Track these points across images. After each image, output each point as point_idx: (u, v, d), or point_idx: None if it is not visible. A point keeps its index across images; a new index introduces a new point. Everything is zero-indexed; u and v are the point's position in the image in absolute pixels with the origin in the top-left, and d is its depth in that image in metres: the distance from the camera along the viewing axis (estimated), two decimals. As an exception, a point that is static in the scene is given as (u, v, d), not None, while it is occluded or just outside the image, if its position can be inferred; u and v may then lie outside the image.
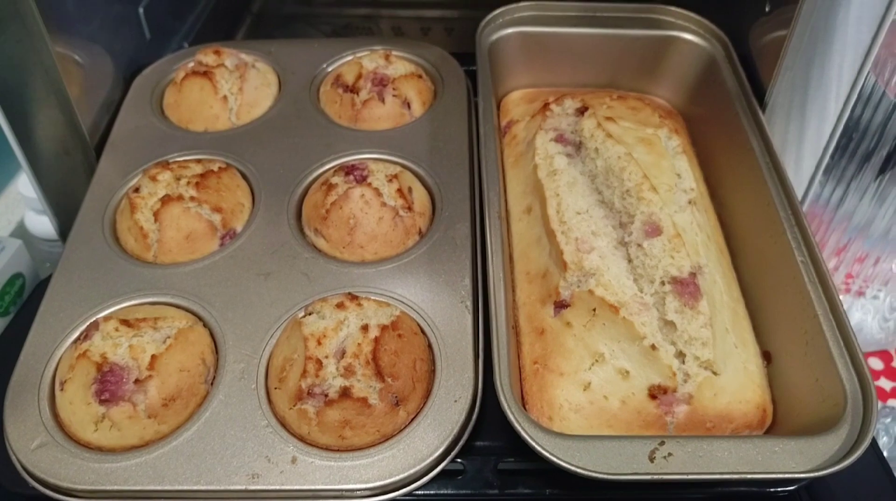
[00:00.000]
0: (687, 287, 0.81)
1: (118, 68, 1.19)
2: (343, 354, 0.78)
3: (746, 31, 1.09)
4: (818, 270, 0.82)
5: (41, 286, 0.95)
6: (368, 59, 1.14)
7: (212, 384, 0.82)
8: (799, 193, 0.99)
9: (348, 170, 0.97)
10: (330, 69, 1.21)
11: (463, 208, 0.97)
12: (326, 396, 0.76)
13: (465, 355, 0.82)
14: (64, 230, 1.04)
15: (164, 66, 1.21)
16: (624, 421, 0.79)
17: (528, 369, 0.83)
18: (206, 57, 1.14)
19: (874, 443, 0.83)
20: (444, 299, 0.88)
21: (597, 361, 0.81)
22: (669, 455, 0.69)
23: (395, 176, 0.97)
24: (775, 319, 0.86)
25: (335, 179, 0.96)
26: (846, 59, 0.89)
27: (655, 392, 0.79)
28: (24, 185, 1.07)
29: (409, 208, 0.96)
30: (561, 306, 0.85)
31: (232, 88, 1.12)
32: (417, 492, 0.76)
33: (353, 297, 0.83)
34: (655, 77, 1.20)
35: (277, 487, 0.73)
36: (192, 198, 0.94)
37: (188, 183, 0.96)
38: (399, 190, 0.95)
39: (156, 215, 0.93)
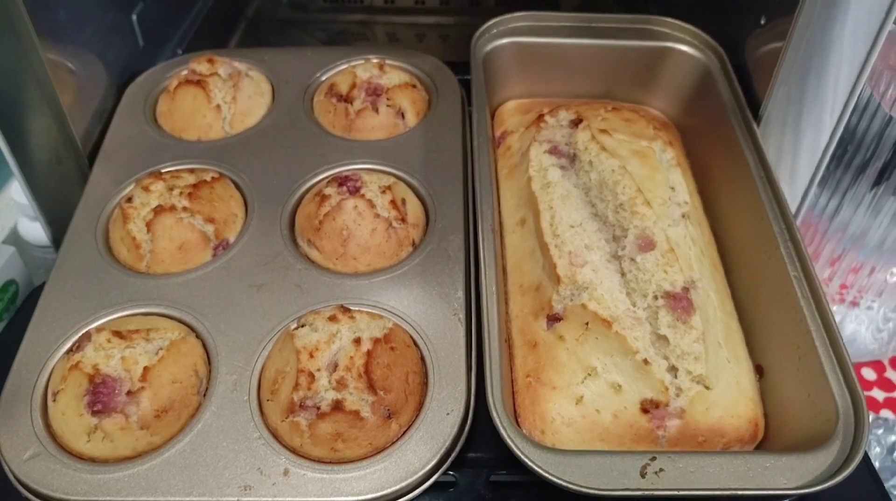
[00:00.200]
0: (680, 302, 0.81)
1: (111, 76, 1.19)
2: (335, 367, 0.78)
3: (742, 43, 1.09)
4: (811, 285, 0.82)
5: (35, 293, 0.95)
6: (362, 69, 1.14)
7: (204, 395, 0.82)
8: (793, 205, 0.99)
9: (341, 181, 0.96)
10: (324, 78, 1.20)
11: (456, 220, 0.97)
12: (319, 409, 0.76)
13: (458, 367, 0.82)
14: (57, 238, 1.03)
15: (158, 73, 1.21)
16: (616, 435, 0.79)
17: (521, 382, 0.83)
18: (200, 65, 1.14)
19: (866, 456, 0.83)
20: (436, 311, 0.87)
21: (589, 375, 0.81)
22: (661, 470, 0.69)
23: (389, 187, 0.97)
24: (768, 334, 0.86)
25: (328, 190, 0.96)
26: (842, 71, 0.89)
27: (648, 406, 0.79)
28: (17, 192, 1.07)
29: (403, 220, 0.95)
30: (554, 319, 0.85)
31: (225, 97, 1.12)
32: (410, 505, 0.76)
33: (346, 310, 0.83)
34: (650, 88, 1.20)
35: (269, 499, 0.73)
36: (184, 208, 0.94)
37: (181, 193, 0.95)
38: (392, 201, 0.95)
39: (148, 225, 0.93)
